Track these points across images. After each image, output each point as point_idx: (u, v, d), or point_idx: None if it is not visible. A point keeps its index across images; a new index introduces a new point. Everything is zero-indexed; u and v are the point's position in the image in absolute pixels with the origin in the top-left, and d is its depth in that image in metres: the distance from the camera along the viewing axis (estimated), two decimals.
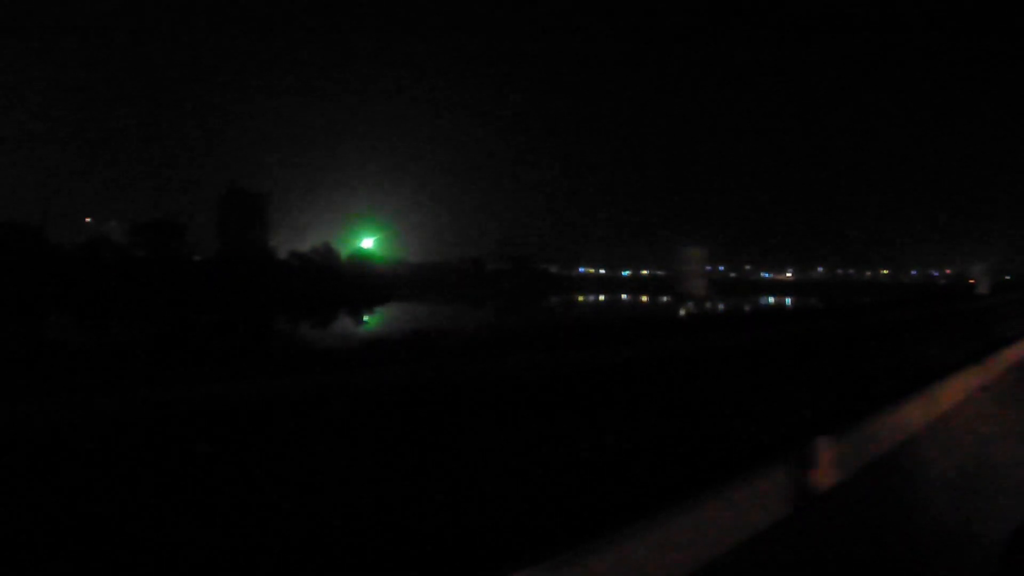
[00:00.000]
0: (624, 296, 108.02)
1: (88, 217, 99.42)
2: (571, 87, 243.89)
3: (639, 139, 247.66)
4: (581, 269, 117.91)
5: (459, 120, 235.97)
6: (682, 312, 56.60)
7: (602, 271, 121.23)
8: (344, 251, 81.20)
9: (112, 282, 49.20)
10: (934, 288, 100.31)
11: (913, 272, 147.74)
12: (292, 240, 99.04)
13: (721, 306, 74.93)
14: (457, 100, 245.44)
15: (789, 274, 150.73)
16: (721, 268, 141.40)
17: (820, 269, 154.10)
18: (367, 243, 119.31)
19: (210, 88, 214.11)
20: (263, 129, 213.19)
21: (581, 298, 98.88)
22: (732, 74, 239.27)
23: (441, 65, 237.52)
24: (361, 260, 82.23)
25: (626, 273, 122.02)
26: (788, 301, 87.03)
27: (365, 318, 51.58)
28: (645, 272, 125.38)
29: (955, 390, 8.28)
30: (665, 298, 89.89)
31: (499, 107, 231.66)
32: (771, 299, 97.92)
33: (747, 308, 67.19)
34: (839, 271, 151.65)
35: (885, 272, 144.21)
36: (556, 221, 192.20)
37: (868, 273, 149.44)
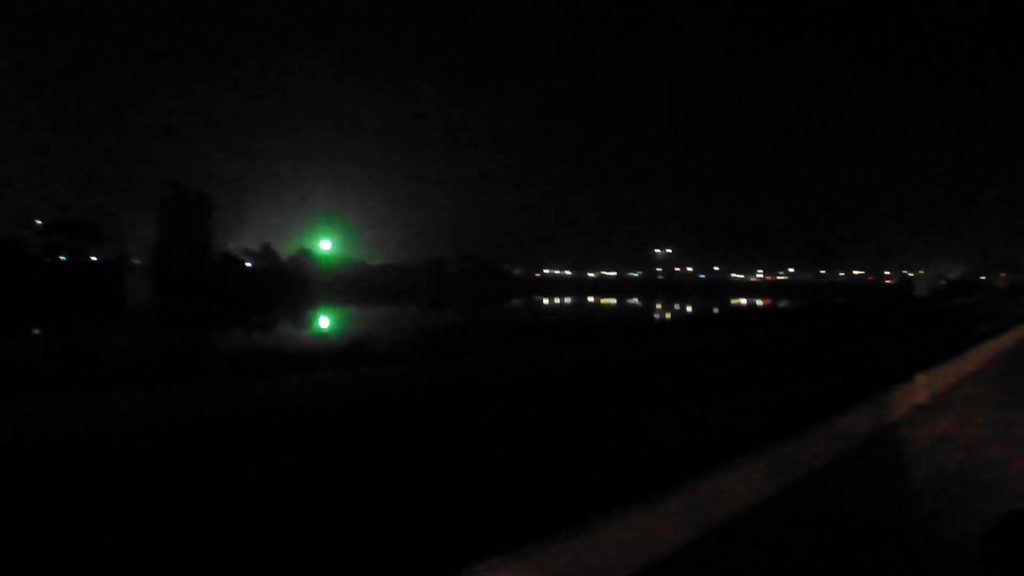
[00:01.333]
0: (590, 298, 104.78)
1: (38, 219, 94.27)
2: (539, 87, 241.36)
3: (610, 139, 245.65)
4: (546, 271, 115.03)
5: (425, 122, 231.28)
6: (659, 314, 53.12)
7: (567, 272, 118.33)
8: (303, 253, 76.75)
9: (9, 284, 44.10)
10: (872, 291, 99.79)
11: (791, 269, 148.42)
12: (249, 241, 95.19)
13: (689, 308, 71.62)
14: (423, 101, 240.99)
15: (760, 275, 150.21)
16: (690, 269, 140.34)
17: (791, 270, 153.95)
18: (325, 245, 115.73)
19: (162, 87, 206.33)
20: (220, 129, 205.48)
21: (546, 301, 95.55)
22: (703, 74, 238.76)
23: (404, 66, 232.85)
24: (305, 261, 77.48)
25: (592, 275, 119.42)
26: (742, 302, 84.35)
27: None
28: (611, 273, 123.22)
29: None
30: (633, 300, 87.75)
31: (467, 108, 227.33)
32: (741, 300, 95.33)
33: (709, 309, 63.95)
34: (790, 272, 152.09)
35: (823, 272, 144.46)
36: (523, 223, 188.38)
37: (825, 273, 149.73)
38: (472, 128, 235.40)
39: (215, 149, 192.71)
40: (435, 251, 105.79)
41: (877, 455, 6.33)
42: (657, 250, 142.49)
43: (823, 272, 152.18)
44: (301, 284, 64.84)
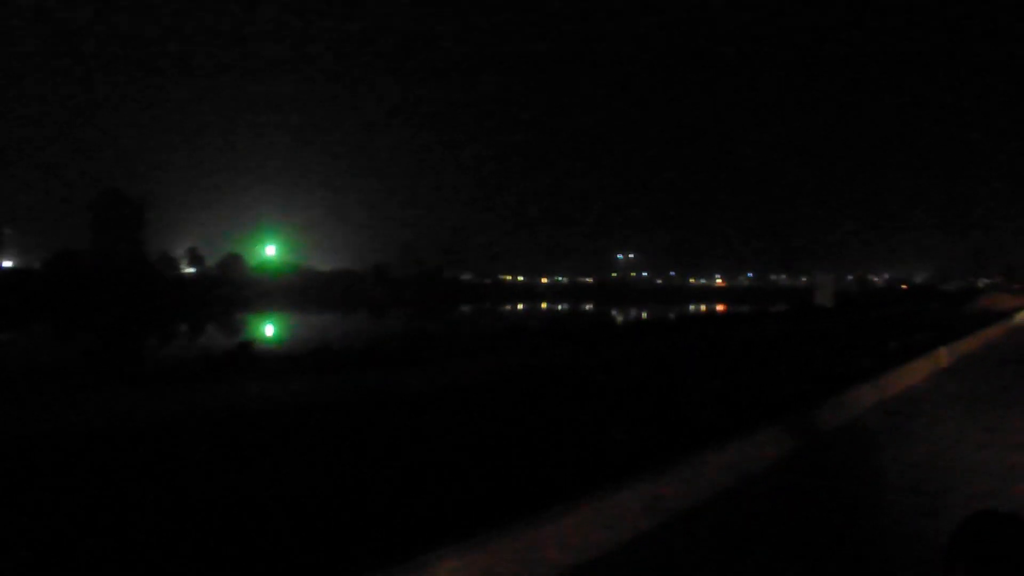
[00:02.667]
0: (544, 304, 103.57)
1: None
2: (497, 90, 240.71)
3: (569, 144, 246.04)
4: (499, 276, 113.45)
5: (375, 124, 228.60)
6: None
7: (520, 279, 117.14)
8: (232, 257, 73.82)
9: None
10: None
11: (750, 274, 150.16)
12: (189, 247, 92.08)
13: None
14: (377, 104, 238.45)
15: (719, 280, 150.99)
16: (644, 274, 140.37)
17: (751, 275, 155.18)
18: (270, 250, 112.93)
19: (100, 88, 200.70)
20: (158, 131, 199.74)
21: (502, 307, 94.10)
22: (663, 78, 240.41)
23: (355, 67, 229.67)
24: (236, 266, 74.80)
25: (544, 280, 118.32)
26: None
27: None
28: (562, 279, 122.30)
29: None
30: (588, 306, 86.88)
31: (415, 110, 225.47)
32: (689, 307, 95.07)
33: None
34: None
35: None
36: (480, 230, 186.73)
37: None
38: (426, 132, 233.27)
39: (156, 153, 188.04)
40: (389, 257, 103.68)
41: None
42: (619, 255, 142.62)
43: (784, 277, 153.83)
44: (230, 290, 62.34)
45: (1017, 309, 33.03)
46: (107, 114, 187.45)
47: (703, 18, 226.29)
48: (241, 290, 63.07)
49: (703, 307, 73.82)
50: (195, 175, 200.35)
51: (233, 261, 74.61)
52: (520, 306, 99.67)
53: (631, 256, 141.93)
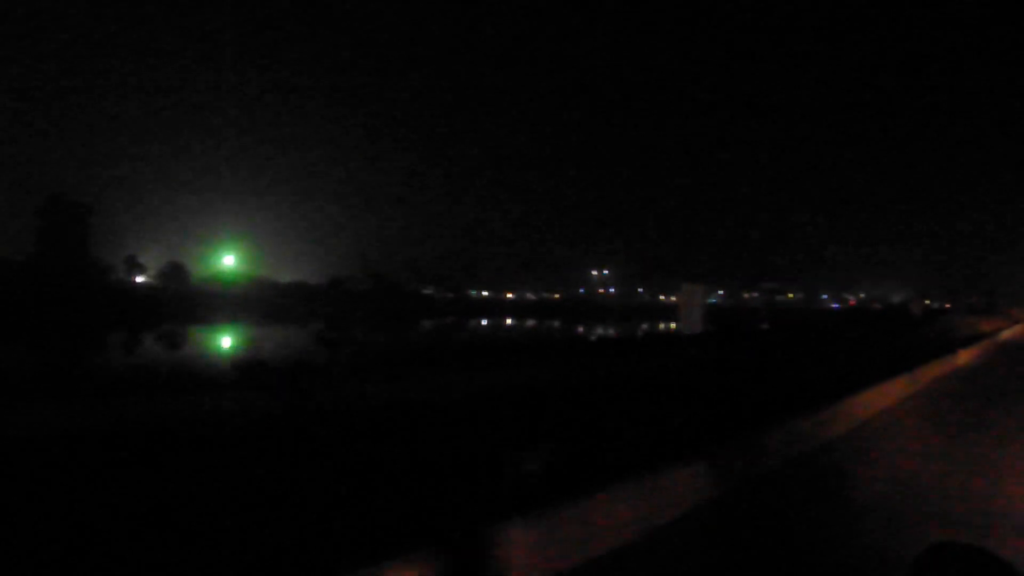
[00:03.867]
0: (509, 320, 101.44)
1: None
2: (466, 105, 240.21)
3: (540, 159, 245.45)
4: (463, 291, 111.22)
5: (336, 135, 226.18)
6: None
7: (484, 293, 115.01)
8: (174, 267, 70.75)
9: None
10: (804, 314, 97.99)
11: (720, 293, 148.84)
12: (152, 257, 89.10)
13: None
14: (347, 122, 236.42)
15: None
16: (612, 290, 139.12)
17: (720, 292, 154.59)
18: (228, 260, 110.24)
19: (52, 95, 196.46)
20: (114, 135, 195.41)
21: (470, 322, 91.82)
22: (638, 89, 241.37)
23: (320, 75, 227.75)
24: (178, 276, 71.79)
25: (511, 296, 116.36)
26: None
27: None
28: (531, 296, 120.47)
29: None
30: (555, 323, 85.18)
31: (381, 118, 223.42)
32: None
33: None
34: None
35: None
36: (449, 245, 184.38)
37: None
38: (397, 149, 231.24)
39: (108, 158, 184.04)
40: (354, 270, 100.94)
41: None
42: (594, 271, 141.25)
43: (755, 295, 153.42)
44: (172, 301, 59.49)
45: (974, 339, 25.86)
46: (63, 119, 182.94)
47: (691, 24, 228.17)
48: (181, 301, 60.16)
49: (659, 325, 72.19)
50: (163, 182, 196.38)
51: (174, 270, 71.34)
52: (484, 322, 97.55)
53: (606, 272, 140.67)
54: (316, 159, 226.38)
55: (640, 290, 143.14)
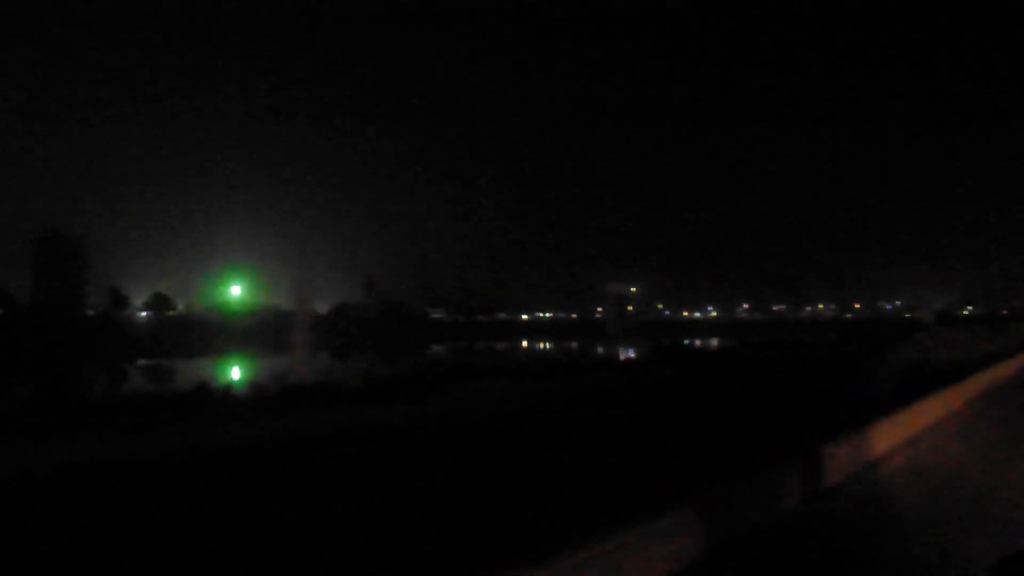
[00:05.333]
0: (524, 343, 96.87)
1: None
2: (479, 124, 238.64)
3: (553, 173, 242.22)
4: (473, 316, 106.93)
5: (355, 161, 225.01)
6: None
7: (501, 315, 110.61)
8: (159, 298, 67.75)
9: None
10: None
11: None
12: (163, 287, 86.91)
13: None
14: (355, 141, 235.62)
15: (712, 312, 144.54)
16: (630, 308, 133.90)
17: (745, 306, 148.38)
18: (236, 290, 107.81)
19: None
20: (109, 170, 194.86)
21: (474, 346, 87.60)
22: (656, 101, 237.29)
23: (322, 96, 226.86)
24: (163, 307, 68.69)
25: (526, 318, 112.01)
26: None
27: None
28: (547, 315, 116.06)
29: None
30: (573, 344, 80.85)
31: (400, 145, 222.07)
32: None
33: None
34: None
35: None
36: (461, 267, 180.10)
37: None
38: (405, 169, 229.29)
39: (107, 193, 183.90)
40: (386, 295, 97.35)
41: None
42: (612, 288, 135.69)
43: (784, 308, 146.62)
44: (153, 333, 56.28)
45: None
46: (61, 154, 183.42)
47: (705, 30, 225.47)
48: (162, 332, 56.95)
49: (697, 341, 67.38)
50: (174, 215, 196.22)
51: (158, 301, 68.45)
52: (501, 345, 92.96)
53: (632, 289, 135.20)
54: (325, 183, 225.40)
55: (660, 306, 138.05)
